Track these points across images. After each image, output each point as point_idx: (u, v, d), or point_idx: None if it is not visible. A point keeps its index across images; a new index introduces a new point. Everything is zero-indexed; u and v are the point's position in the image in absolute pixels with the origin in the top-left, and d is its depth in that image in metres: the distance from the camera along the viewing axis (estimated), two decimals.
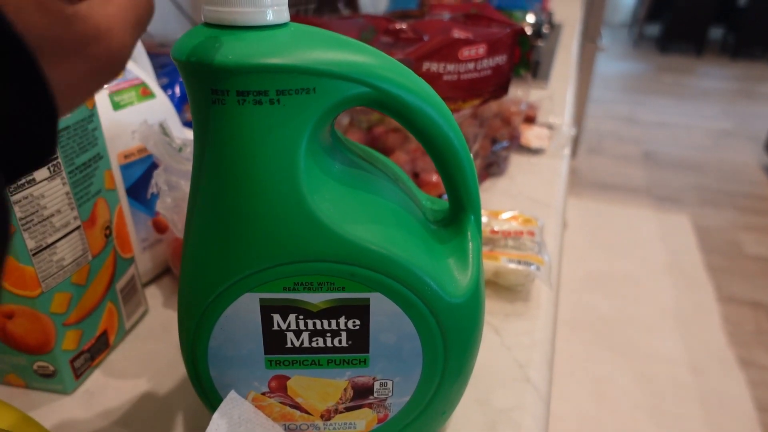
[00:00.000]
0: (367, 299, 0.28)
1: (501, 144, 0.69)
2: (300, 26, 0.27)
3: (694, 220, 2.38)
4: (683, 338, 1.73)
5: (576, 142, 2.92)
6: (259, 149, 0.26)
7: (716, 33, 5.42)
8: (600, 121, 3.49)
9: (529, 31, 1.16)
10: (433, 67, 0.52)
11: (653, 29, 5.69)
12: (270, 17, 0.26)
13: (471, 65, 0.53)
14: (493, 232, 0.52)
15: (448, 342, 0.29)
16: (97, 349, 0.42)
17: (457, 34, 0.56)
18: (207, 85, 0.25)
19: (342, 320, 0.28)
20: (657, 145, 3.15)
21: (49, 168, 0.36)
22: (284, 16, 0.27)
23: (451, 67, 0.52)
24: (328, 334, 0.29)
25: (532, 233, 0.52)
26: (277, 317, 0.28)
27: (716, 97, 4.03)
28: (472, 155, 0.62)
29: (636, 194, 2.59)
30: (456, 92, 0.54)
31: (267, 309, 0.28)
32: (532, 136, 0.79)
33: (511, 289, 0.50)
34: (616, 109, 3.74)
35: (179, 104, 0.59)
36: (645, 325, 1.78)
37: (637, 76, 4.56)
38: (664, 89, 4.19)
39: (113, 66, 0.21)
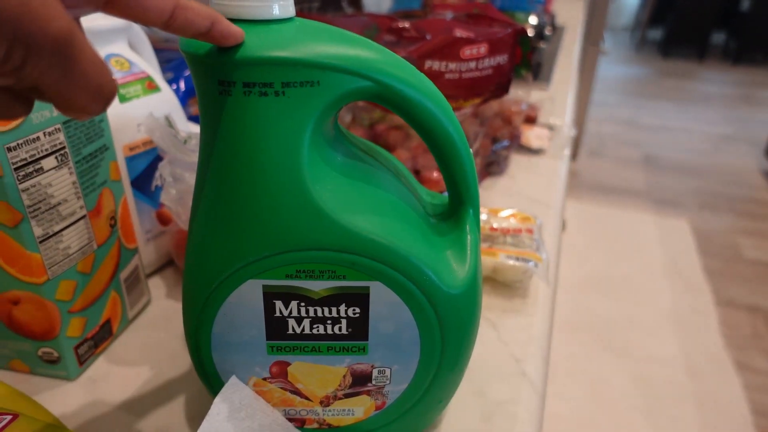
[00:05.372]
0: (367, 288, 0.29)
1: (501, 143, 0.69)
2: (305, 21, 0.28)
3: (694, 224, 2.39)
4: (681, 341, 1.74)
5: (577, 145, 2.93)
6: (263, 139, 0.26)
7: (718, 38, 5.42)
8: (601, 124, 3.49)
9: (531, 32, 1.17)
10: (435, 65, 0.52)
11: (656, 33, 5.70)
12: (276, 12, 0.26)
13: (472, 64, 0.53)
14: (492, 229, 0.53)
15: (445, 331, 0.30)
16: (101, 337, 0.43)
17: (459, 33, 0.57)
18: (214, 76, 0.26)
19: (342, 308, 0.29)
20: (657, 149, 3.16)
21: (56, 157, 0.36)
22: (290, 11, 0.27)
23: (452, 65, 0.53)
24: (329, 322, 0.29)
25: (530, 231, 0.53)
26: (279, 304, 0.29)
27: (717, 101, 4.04)
28: (472, 153, 0.62)
29: (636, 197, 2.60)
30: (457, 91, 0.54)
31: (269, 296, 0.29)
32: (532, 136, 0.79)
33: (509, 286, 0.51)
34: (618, 112, 3.75)
35: (184, 98, 0.60)
36: (643, 327, 1.79)
37: (639, 79, 4.57)
38: (665, 93, 4.20)
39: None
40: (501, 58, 0.56)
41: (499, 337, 0.45)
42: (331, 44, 0.27)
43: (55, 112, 0.36)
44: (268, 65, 0.26)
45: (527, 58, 0.63)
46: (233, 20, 0.26)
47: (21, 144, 0.34)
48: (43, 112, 0.35)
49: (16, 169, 0.34)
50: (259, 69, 0.26)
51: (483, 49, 0.54)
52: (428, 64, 0.53)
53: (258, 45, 0.25)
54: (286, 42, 0.26)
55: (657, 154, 3.10)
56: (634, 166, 2.93)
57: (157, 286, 0.51)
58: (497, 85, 0.57)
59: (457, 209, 0.33)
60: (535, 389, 0.41)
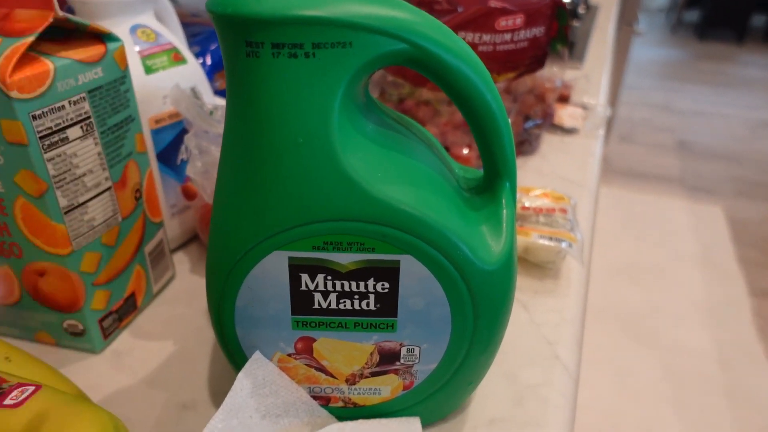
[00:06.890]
0: (398, 261, 0.27)
1: (534, 121, 0.67)
2: None
3: (728, 212, 2.31)
4: (712, 331, 1.69)
5: (608, 129, 2.86)
6: (292, 103, 0.25)
7: (759, 20, 5.21)
8: (634, 108, 3.40)
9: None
10: (469, 37, 0.50)
11: (692, 15, 5.50)
12: None
13: (507, 36, 0.51)
14: (524, 208, 0.51)
15: (478, 309, 0.29)
16: (125, 311, 0.42)
17: (494, 3, 0.54)
18: (241, 37, 0.25)
19: (371, 282, 0.28)
20: (692, 135, 3.07)
21: (81, 127, 0.36)
22: None
23: (487, 37, 0.50)
24: (356, 296, 0.28)
25: (564, 210, 0.51)
26: (305, 277, 0.28)
27: (757, 86, 3.89)
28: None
29: (669, 184, 2.53)
30: (491, 64, 0.52)
31: (295, 268, 0.28)
32: (565, 115, 0.77)
33: (541, 267, 0.49)
34: (651, 96, 3.64)
35: (210, 72, 0.59)
36: (673, 316, 1.74)
37: (674, 62, 4.43)
38: (701, 77, 4.06)
39: None
40: (537, 30, 0.53)
41: (532, 319, 0.44)
42: (365, 3, 0.25)
43: (80, 81, 0.35)
44: (299, 25, 0.24)
45: (564, 32, 0.61)
46: None
47: (46, 112, 0.33)
48: (68, 80, 0.34)
49: (41, 138, 0.33)
50: (289, 29, 0.24)
51: (519, 20, 0.51)
52: (461, 35, 0.51)
53: (288, 3, 0.24)
54: (317, 0, 0.24)
55: (692, 139, 3.01)
56: (668, 152, 2.85)
57: (181, 261, 0.50)
58: (533, 58, 0.55)
59: (492, 182, 0.31)
60: (569, 373, 0.39)
